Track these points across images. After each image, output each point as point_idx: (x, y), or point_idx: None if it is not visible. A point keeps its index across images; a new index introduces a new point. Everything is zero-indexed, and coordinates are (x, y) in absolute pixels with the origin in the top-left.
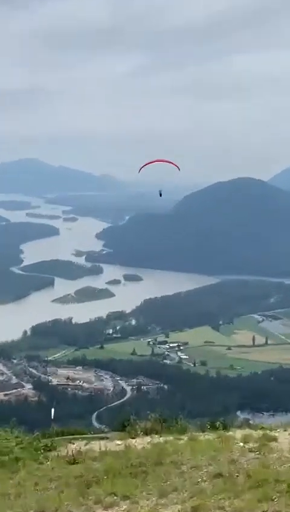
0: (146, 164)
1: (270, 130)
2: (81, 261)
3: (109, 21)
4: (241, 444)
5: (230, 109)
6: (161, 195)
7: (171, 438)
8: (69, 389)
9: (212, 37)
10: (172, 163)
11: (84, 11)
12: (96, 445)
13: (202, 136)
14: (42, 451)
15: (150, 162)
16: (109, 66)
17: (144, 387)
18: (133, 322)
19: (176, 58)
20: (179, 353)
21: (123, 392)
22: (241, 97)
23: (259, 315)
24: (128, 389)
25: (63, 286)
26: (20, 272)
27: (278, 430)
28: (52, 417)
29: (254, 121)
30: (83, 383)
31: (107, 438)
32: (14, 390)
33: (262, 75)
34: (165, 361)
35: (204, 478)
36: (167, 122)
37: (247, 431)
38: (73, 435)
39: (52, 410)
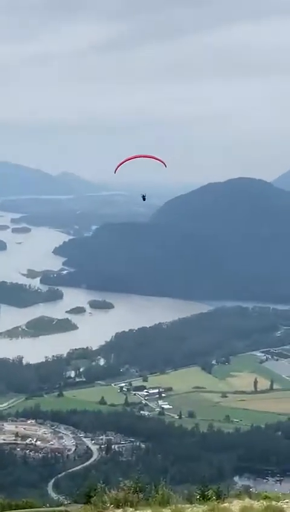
0: (124, 161)
1: (276, 120)
2: (35, 283)
3: None
4: None
5: (228, 93)
6: (144, 199)
7: (149, 511)
8: (19, 449)
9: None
10: (157, 158)
11: None
12: None
13: (192, 126)
14: None
15: (130, 158)
16: (73, 38)
17: (115, 447)
18: (102, 361)
19: (158, 27)
20: (160, 402)
21: (88, 452)
22: (243, 77)
23: (262, 352)
24: (94, 448)
25: (11, 316)
26: None
27: (287, 501)
28: None
29: (256, 107)
30: (36, 441)
31: None
32: None
33: (267, 49)
34: (142, 412)
35: None
36: (148, 109)
37: (247, 502)
38: (23, 508)
39: None
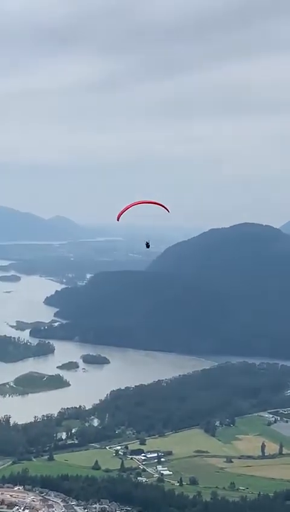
0: (127, 208)
1: (282, 161)
2: (24, 336)
3: (64, 19)
4: None
5: (229, 132)
6: (148, 246)
7: None
8: None
9: (201, 38)
10: (160, 204)
11: (31, 5)
12: None
13: (192, 167)
14: None
15: (132, 205)
16: (64, 74)
17: None
18: (96, 422)
19: (152, 65)
20: (159, 467)
21: None
22: (243, 116)
23: (270, 413)
24: None
25: None
26: None
27: None
28: None
29: (259, 146)
30: (24, 509)
31: None
32: None
33: (262, 84)
34: (139, 478)
35: None
36: (143, 149)
37: None
38: None
39: None
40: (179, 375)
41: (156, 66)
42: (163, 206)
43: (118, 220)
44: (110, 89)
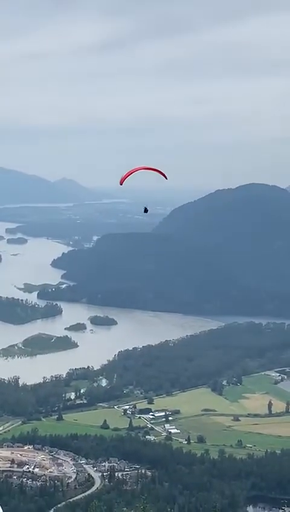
0: (128, 174)
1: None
2: (32, 298)
3: None
4: None
5: (236, 92)
6: (146, 211)
7: None
8: (15, 477)
9: None
10: (158, 171)
11: None
12: None
13: (200, 128)
14: None
15: (133, 171)
16: (64, 36)
17: (118, 474)
18: (104, 382)
19: (159, 24)
20: (167, 426)
21: (90, 480)
22: (253, 76)
23: (277, 372)
24: (96, 476)
25: (7, 333)
26: None
27: None
28: None
29: (266, 108)
30: (34, 468)
31: None
32: None
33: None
34: (148, 437)
35: None
36: (150, 110)
37: None
38: None
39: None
40: (186, 335)
41: (160, 26)
42: (161, 173)
43: (121, 184)
44: (113, 50)
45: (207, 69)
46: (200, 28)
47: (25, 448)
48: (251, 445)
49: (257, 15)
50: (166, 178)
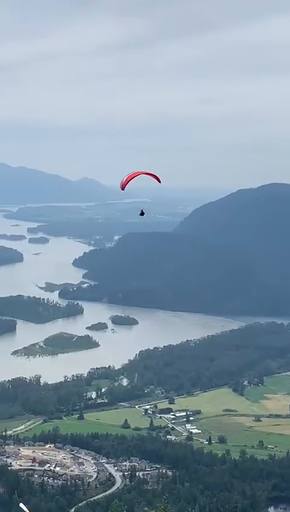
0: (128, 180)
1: None
2: (53, 297)
3: None
4: None
5: (258, 92)
6: (142, 214)
7: None
8: (36, 475)
9: None
10: (152, 175)
11: None
12: None
13: (219, 128)
14: None
15: (132, 176)
16: (88, 35)
17: (139, 474)
18: (125, 382)
19: (180, 23)
20: (188, 426)
21: (111, 480)
22: (275, 75)
23: None
24: (117, 475)
25: (28, 332)
26: None
27: None
28: None
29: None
30: (55, 467)
31: None
32: None
33: None
34: (169, 437)
35: None
36: (170, 109)
37: None
38: None
39: (22, 505)
40: (208, 335)
41: (178, 27)
42: (154, 177)
43: (122, 190)
44: (131, 50)
45: (225, 69)
46: (219, 27)
47: (46, 447)
48: (272, 446)
49: (276, 15)
50: (159, 182)
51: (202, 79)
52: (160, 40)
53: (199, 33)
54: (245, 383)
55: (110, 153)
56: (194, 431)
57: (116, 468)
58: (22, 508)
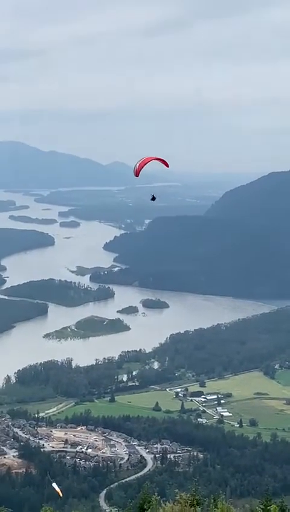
0: (141, 166)
1: None
2: (85, 281)
3: None
4: None
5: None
6: (153, 199)
7: None
8: (68, 457)
9: None
10: (160, 159)
11: None
12: None
13: (256, 109)
14: None
15: (145, 162)
16: (125, 18)
17: (170, 456)
18: (156, 365)
19: (214, 4)
20: (219, 409)
21: (142, 462)
22: None
23: None
24: (149, 458)
25: (59, 316)
26: (1, 297)
27: None
28: (60, 494)
29: None
30: (87, 449)
31: None
32: None
33: None
34: (199, 420)
35: None
36: (202, 93)
37: None
38: None
39: (55, 485)
40: (239, 319)
41: (211, 8)
42: (163, 161)
43: (137, 176)
44: (165, 32)
45: (260, 51)
46: (252, 8)
47: (78, 429)
48: None
49: None
50: (167, 166)
51: (238, 61)
52: (194, 21)
53: (236, 14)
54: (276, 366)
55: (141, 136)
56: (225, 414)
57: (147, 450)
58: (54, 488)
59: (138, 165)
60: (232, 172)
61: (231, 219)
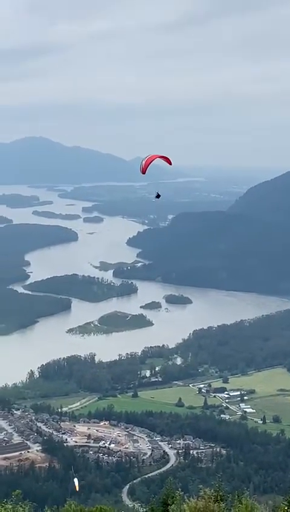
0: (147, 164)
1: None
2: (108, 276)
3: None
4: None
5: None
6: (158, 197)
7: None
8: (91, 452)
9: None
10: (163, 157)
11: None
12: None
13: (279, 104)
14: None
15: (150, 161)
16: (148, 14)
17: (193, 452)
18: (179, 361)
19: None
20: (242, 405)
21: (165, 457)
22: None
23: None
24: (171, 453)
25: (83, 311)
26: (25, 292)
27: None
28: (77, 488)
29: None
30: (110, 444)
31: None
32: (16, 453)
33: None
34: (223, 416)
35: None
36: (226, 88)
37: None
38: None
39: (76, 480)
40: (262, 315)
41: (234, 4)
42: (165, 159)
43: (143, 174)
44: (187, 28)
45: (284, 45)
46: (275, 3)
47: (101, 424)
48: None
49: None
50: (170, 164)
51: (259, 56)
52: (217, 18)
53: (253, 10)
54: None
55: (165, 132)
56: (248, 410)
57: (170, 446)
58: (74, 482)
59: (143, 162)
60: (256, 167)
61: (255, 215)
